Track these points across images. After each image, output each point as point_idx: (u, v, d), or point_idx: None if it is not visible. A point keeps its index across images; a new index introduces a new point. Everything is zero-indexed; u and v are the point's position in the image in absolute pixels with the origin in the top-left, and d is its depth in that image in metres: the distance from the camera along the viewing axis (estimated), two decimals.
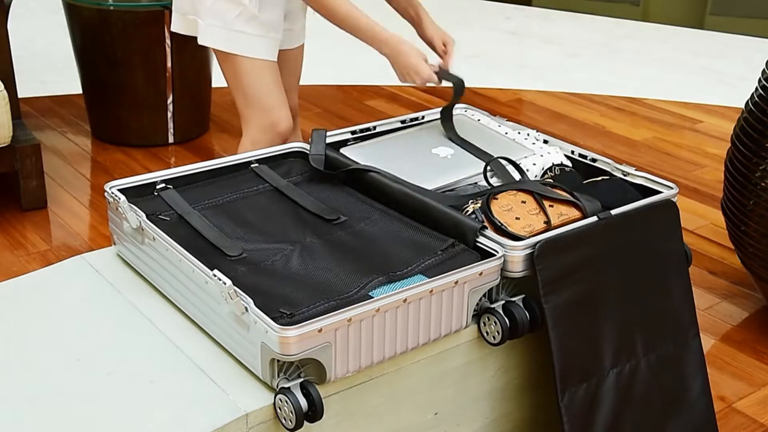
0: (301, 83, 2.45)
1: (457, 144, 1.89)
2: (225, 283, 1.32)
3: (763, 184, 2.12)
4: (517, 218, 1.55)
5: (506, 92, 4.17)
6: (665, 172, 3.28)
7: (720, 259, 2.67)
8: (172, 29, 2.22)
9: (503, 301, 1.49)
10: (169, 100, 3.30)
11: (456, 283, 1.41)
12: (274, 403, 1.31)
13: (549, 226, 1.55)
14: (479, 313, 1.50)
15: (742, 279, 2.53)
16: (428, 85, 2.00)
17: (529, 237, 1.50)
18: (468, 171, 1.78)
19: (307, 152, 1.82)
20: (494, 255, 1.46)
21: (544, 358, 1.52)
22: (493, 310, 1.48)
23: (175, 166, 1.80)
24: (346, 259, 1.50)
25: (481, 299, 1.47)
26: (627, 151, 3.50)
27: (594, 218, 1.56)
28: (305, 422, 1.29)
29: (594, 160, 1.85)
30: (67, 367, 1.39)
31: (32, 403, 1.31)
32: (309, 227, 1.60)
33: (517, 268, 1.47)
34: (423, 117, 2.05)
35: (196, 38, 2.14)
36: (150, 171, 1.79)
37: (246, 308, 1.31)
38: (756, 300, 2.46)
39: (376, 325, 1.34)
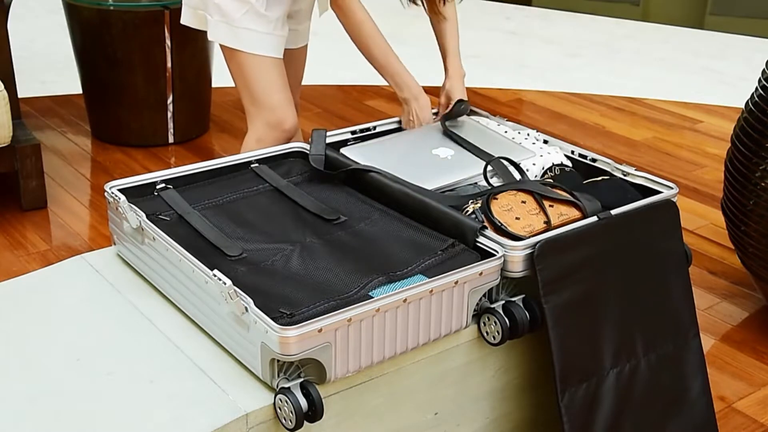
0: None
1: (457, 144, 1.89)
2: (225, 283, 1.31)
3: (763, 184, 2.12)
4: (517, 218, 1.55)
5: (506, 92, 4.17)
6: (665, 172, 3.27)
7: (720, 259, 2.67)
8: (182, 22, 2.22)
9: (503, 301, 1.49)
10: (169, 100, 3.30)
11: (456, 283, 1.41)
12: (274, 403, 1.31)
13: (549, 226, 1.54)
14: (479, 313, 1.49)
15: (742, 279, 2.53)
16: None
17: (529, 237, 1.50)
18: (468, 171, 1.78)
19: (307, 152, 1.82)
20: (494, 255, 1.46)
21: (544, 358, 1.52)
22: (493, 310, 1.48)
23: (175, 166, 1.80)
24: (346, 259, 1.49)
25: (481, 299, 1.47)
26: (627, 151, 3.50)
27: (594, 218, 1.56)
28: (305, 422, 1.29)
29: (594, 160, 1.85)
30: (67, 367, 1.39)
31: (32, 403, 1.31)
32: (309, 227, 1.60)
33: (517, 268, 1.47)
34: None
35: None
36: (150, 171, 1.79)
37: (246, 308, 1.31)
38: (756, 300, 2.46)
39: (376, 325, 1.34)
